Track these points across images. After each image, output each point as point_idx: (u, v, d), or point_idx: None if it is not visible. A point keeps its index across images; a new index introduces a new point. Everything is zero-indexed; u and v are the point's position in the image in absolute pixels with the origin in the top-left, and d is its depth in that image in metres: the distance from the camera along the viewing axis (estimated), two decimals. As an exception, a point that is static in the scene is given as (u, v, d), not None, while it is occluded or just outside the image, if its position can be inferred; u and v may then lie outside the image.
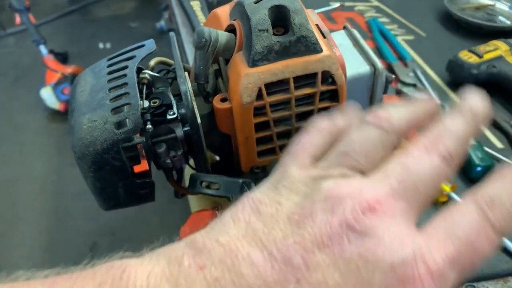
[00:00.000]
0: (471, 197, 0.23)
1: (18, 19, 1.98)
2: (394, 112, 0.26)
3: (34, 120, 2.12)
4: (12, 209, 1.72)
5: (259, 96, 0.35)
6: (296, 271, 0.20)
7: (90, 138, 0.35)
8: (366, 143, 0.24)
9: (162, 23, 2.58)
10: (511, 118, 0.69)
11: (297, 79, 0.35)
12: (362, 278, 0.20)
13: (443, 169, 0.24)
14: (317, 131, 0.26)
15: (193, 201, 0.47)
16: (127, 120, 0.35)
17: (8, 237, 1.63)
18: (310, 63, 0.35)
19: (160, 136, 0.38)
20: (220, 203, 0.45)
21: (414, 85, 0.77)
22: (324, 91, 0.36)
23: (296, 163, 0.25)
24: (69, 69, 2.08)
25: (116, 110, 0.36)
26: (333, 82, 0.36)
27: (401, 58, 0.84)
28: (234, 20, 0.39)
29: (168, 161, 0.39)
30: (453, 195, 0.57)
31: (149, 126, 0.36)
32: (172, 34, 0.43)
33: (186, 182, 0.44)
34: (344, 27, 0.44)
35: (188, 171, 0.46)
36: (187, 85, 0.37)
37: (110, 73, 0.39)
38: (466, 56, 0.76)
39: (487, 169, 0.60)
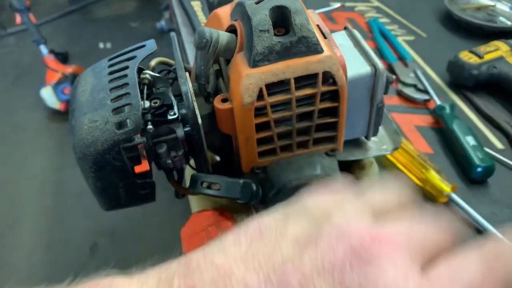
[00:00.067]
0: (477, 246, 0.23)
1: (18, 18, 1.98)
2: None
3: (35, 120, 2.12)
4: (12, 209, 1.72)
5: (260, 96, 0.35)
6: None
7: (91, 139, 0.35)
8: (386, 196, 0.25)
9: (162, 23, 2.58)
10: (511, 119, 0.69)
11: (298, 79, 0.35)
12: None
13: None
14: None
15: (194, 202, 0.47)
16: (128, 120, 0.35)
17: (8, 237, 1.63)
18: (311, 64, 0.34)
19: (160, 136, 0.38)
20: (221, 204, 0.45)
21: (414, 86, 0.77)
22: (325, 91, 0.36)
23: (312, 195, 0.25)
24: (69, 69, 2.08)
25: (117, 110, 0.36)
26: (334, 83, 0.36)
27: (402, 58, 0.84)
28: (235, 20, 0.39)
29: (169, 161, 0.39)
30: (453, 196, 0.57)
31: (150, 126, 0.36)
32: (173, 34, 0.43)
33: (187, 183, 0.44)
34: (345, 28, 0.44)
35: (188, 172, 0.46)
36: (188, 86, 0.37)
37: (111, 73, 0.39)
38: (467, 57, 0.76)
39: (487, 170, 0.60)
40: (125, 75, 0.38)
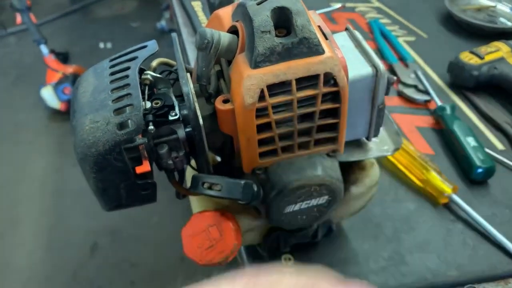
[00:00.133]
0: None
1: (19, 18, 1.98)
2: None
3: (35, 120, 2.12)
4: (12, 209, 1.72)
5: (261, 97, 0.35)
6: None
7: (92, 139, 0.35)
8: None
9: (163, 23, 2.58)
10: (512, 120, 0.69)
11: (299, 80, 0.35)
12: None
13: None
14: None
15: (195, 202, 0.47)
16: (129, 121, 0.35)
17: (9, 237, 1.63)
18: (312, 65, 0.34)
19: (162, 137, 0.38)
20: (221, 204, 0.45)
21: (415, 86, 0.77)
22: (326, 92, 0.36)
23: None
24: (70, 69, 2.08)
25: (118, 111, 0.36)
26: (335, 84, 0.36)
27: (402, 59, 0.85)
28: (237, 21, 0.39)
29: (170, 162, 0.39)
30: (454, 197, 0.57)
31: (151, 127, 0.36)
32: (174, 35, 0.43)
33: (188, 183, 0.44)
34: (346, 29, 0.44)
35: (189, 172, 0.46)
36: (189, 86, 0.37)
37: (112, 73, 0.39)
38: (467, 58, 0.76)
39: (488, 171, 0.60)
40: (127, 76, 0.38)
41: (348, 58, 0.38)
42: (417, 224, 0.56)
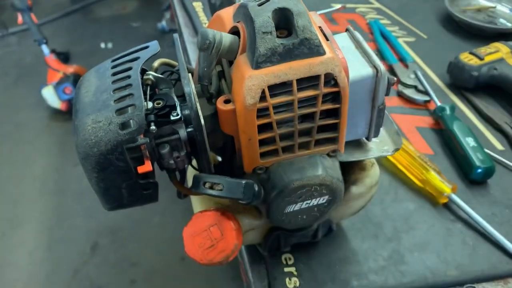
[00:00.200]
0: None
1: (20, 18, 1.98)
2: None
3: (36, 119, 2.12)
4: (13, 208, 1.72)
5: (262, 97, 0.35)
6: None
7: (94, 139, 0.35)
8: None
9: (163, 23, 2.59)
10: (511, 120, 0.70)
11: (300, 81, 0.35)
12: None
13: None
14: None
15: (196, 202, 0.48)
16: (131, 121, 0.36)
17: (9, 236, 1.63)
18: (313, 65, 0.35)
19: (163, 137, 0.38)
20: (222, 204, 0.45)
21: (415, 87, 0.78)
22: (327, 93, 0.36)
23: None
24: (70, 69, 2.08)
25: (120, 111, 0.36)
26: (336, 84, 0.36)
27: (402, 59, 0.85)
28: (238, 22, 0.39)
29: (172, 161, 0.39)
30: (454, 196, 0.58)
31: (153, 127, 0.36)
32: (175, 35, 0.44)
33: (189, 183, 0.44)
34: (347, 29, 0.45)
35: (190, 172, 0.46)
36: (191, 87, 0.37)
37: (114, 74, 0.39)
38: (467, 58, 0.76)
39: (488, 171, 0.60)
40: (129, 76, 0.38)
41: (349, 59, 0.38)
42: (416, 224, 0.56)
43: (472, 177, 0.61)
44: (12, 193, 1.78)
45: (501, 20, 0.94)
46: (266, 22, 0.35)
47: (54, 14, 2.88)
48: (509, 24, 0.92)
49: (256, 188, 0.38)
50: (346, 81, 0.36)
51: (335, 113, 0.38)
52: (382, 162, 0.65)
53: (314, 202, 0.41)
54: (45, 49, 2.04)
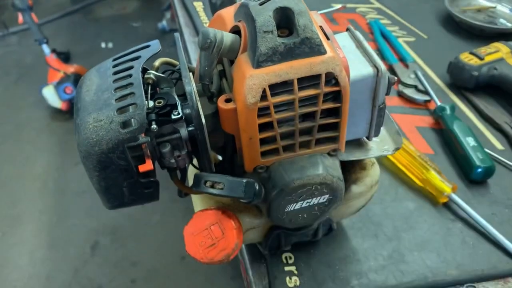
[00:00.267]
0: None
1: (20, 18, 1.98)
2: None
3: (36, 119, 2.13)
4: (13, 207, 1.73)
5: (263, 97, 0.35)
6: None
7: (95, 138, 0.35)
8: None
9: (164, 23, 2.59)
10: (511, 120, 0.70)
11: (301, 80, 0.35)
12: None
13: None
14: None
15: (197, 201, 0.48)
16: (132, 120, 0.36)
17: (10, 235, 1.63)
18: (314, 65, 0.35)
19: (164, 136, 0.38)
20: (223, 203, 0.46)
21: (415, 87, 0.78)
22: (328, 92, 0.36)
23: None
24: (71, 68, 2.08)
25: (121, 110, 0.36)
26: (337, 84, 0.36)
27: (402, 59, 0.85)
28: (239, 21, 0.39)
29: (173, 160, 0.39)
30: (454, 196, 0.58)
31: (154, 126, 0.36)
32: (176, 34, 0.44)
33: (189, 182, 0.45)
34: (347, 29, 0.45)
35: (191, 171, 0.47)
36: (192, 86, 0.37)
37: (115, 73, 0.39)
38: (467, 58, 0.76)
39: (488, 171, 0.60)
40: (130, 75, 0.39)
41: (350, 58, 0.38)
42: (417, 223, 0.57)
43: (472, 176, 0.61)
44: (13, 193, 1.78)
45: (501, 20, 0.94)
46: (267, 21, 0.35)
47: (54, 14, 2.89)
48: (509, 24, 0.92)
49: (257, 187, 0.38)
50: (347, 80, 0.36)
51: (335, 112, 0.38)
52: (382, 161, 0.65)
53: (315, 201, 0.41)
54: (45, 48, 2.04)
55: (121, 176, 0.37)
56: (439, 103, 0.72)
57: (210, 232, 0.42)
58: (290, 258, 0.53)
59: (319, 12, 0.44)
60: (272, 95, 0.35)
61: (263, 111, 0.36)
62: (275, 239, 0.49)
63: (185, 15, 1.02)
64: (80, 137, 0.36)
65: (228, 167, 0.45)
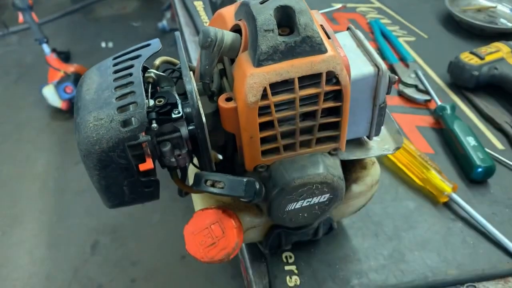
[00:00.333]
0: None
1: (21, 17, 1.98)
2: None
3: (37, 118, 2.13)
4: (13, 207, 1.73)
5: (264, 95, 0.35)
6: None
7: (96, 136, 0.35)
8: None
9: (164, 23, 2.59)
10: (512, 120, 0.70)
11: (301, 79, 0.35)
12: None
13: None
14: None
15: (197, 200, 0.48)
16: (133, 118, 0.36)
17: (10, 235, 1.63)
18: (315, 63, 0.35)
19: (165, 134, 0.38)
20: (223, 202, 0.46)
21: (415, 86, 0.78)
22: (329, 91, 0.36)
23: None
24: (71, 68, 2.08)
25: (122, 108, 0.36)
26: (338, 83, 0.36)
27: (403, 59, 0.85)
28: (240, 20, 0.39)
29: (173, 159, 0.39)
30: (454, 196, 0.58)
31: (154, 124, 0.36)
32: (177, 33, 0.44)
33: (190, 181, 0.45)
34: (348, 28, 0.45)
35: (191, 170, 0.46)
36: (192, 84, 0.37)
37: (116, 72, 0.39)
38: (468, 58, 0.76)
39: (488, 170, 0.60)
40: (130, 74, 0.39)
41: (350, 57, 0.38)
42: (417, 223, 0.56)
43: (472, 176, 0.61)
44: (13, 192, 1.78)
45: (502, 20, 0.94)
46: (268, 20, 0.35)
47: (54, 14, 2.88)
48: (509, 24, 0.92)
49: (257, 186, 0.38)
50: (348, 79, 0.36)
51: (336, 111, 0.38)
52: (383, 161, 0.65)
53: (315, 200, 0.41)
54: (45, 48, 2.04)
55: (122, 175, 0.37)
56: (439, 103, 0.72)
57: (210, 231, 0.42)
58: (291, 257, 0.52)
59: (320, 11, 0.44)
60: (273, 94, 0.35)
61: (263, 110, 0.36)
62: (275, 238, 0.49)
63: (186, 14, 1.02)
64: (81, 135, 0.36)
65: (228, 166, 0.45)
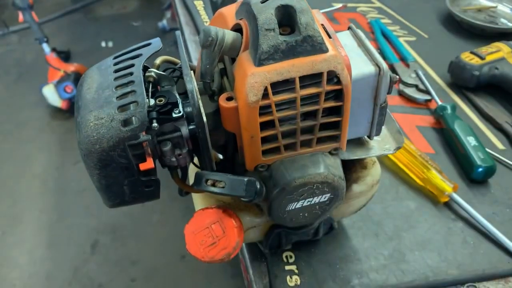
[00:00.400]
0: None
1: (21, 17, 1.98)
2: None
3: (37, 118, 2.13)
4: (13, 206, 1.73)
5: (265, 95, 0.35)
6: None
7: (96, 136, 0.35)
8: None
9: (164, 22, 2.59)
10: (513, 120, 0.70)
11: (302, 78, 0.35)
12: None
13: None
14: None
15: (197, 199, 0.48)
16: (133, 118, 0.36)
17: (10, 234, 1.63)
18: (316, 63, 0.35)
19: (165, 134, 0.38)
20: (224, 201, 0.45)
21: (415, 86, 0.78)
22: (329, 90, 0.36)
23: None
24: (71, 67, 2.08)
25: (122, 108, 0.36)
26: (339, 82, 0.36)
27: (403, 59, 0.85)
28: (240, 19, 0.39)
29: (173, 159, 0.39)
30: (455, 195, 0.58)
31: (155, 124, 0.36)
32: (178, 33, 0.44)
33: (190, 180, 0.44)
34: (349, 28, 0.45)
35: (191, 170, 0.46)
36: (193, 84, 0.37)
37: (116, 71, 0.39)
38: (468, 58, 0.76)
39: (488, 170, 0.60)
40: (131, 73, 0.38)
41: (351, 57, 0.38)
42: (417, 223, 0.56)
43: (473, 176, 0.61)
44: (12, 192, 1.78)
45: (502, 20, 0.94)
46: (269, 19, 0.35)
47: (55, 13, 2.88)
48: (510, 24, 0.92)
49: (258, 186, 0.38)
50: (349, 78, 0.36)
51: (337, 111, 0.38)
52: (383, 160, 0.65)
53: (316, 200, 0.41)
54: (46, 47, 2.04)
55: (122, 174, 0.37)
56: (440, 103, 0.72)
57: (211, 231, 0.42)
58: (291, 257, 0.52)
59: (320, 11, 0.45)
60: (274, 93, 0.35)
61: (264, 110, 0.36)
62: (275, 238, 0.49)
63: (186, 13, 1.02)
64: (81, 135, 0.36)
65: (229, 166, 0.45)
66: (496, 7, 0.97)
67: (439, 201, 0.59)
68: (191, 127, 0.38)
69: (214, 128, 0.40)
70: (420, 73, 0.79)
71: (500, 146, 0.67)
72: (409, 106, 0.76)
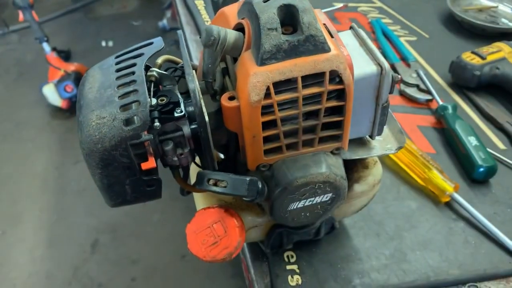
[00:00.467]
0: None
1: (21, 16, 1.98)
2: None
3: (37, 117, 2.12)
4: (13, 205, 1.72)
5: (267, 94, 0.35)
6: None
7: (98, 135, 0.35)
8: None
9: (164, 22, 2.58)
10: (514, 120, 0.70)
11: (305, 78, 0.35)
12: None
13: None
14: None
15: (199, 199, 0.48)
16: (135, 117, 0.36)
17: (10, 234, 1.63)
18: (318, 62, 0.35)
19: (167, 133, 0.38)
20: (225, 201, 0.45)
21: (416, 86, 0.78)
22: (332, 90, 0.36)
23: None
24: (71, 67, 2.08)
25: (124, 107, 0.36)
26: (341, 82, 0.36)
27: (404, 59, 0.85)
28: (243, 19, 0.39)
29: (175, 158, 0.39)
30: (456, 195, 0.58)
31: (156, 123, 0.36)
32: (180, 32, 0.44)
33: (192, 180, 0.44)
34: (351, 27, 0.45)
35: (193, 169, 0.46)
36: (195, 83, 0.37)
37: (118, 70, 0.39)
38: (469, 58, 0.76)
39: (490, 170, 0.60)
40: (133, 72, 0.38)
41: (353, 56, 0.38)
42: (418, 222, 0.56)
43: (474, 176, 0.61)
44: (13, 191, 1.78)
45: (503, 20, 0.94)
46: (271, 19, 0.35)
47: (55, 12, 2.88)
48: (511, 24, 0.92)
49: (260, 185, 0.38)
50: (351, 78, 0.36)
51: (339, 110, 0.38)
52: (385, 160, 0.65)
53: (318, 199, 0.41)
54: (46, 47, 2.04)
55: (124, 173, 0.37)
56: (441, 103, 0.72)
57: (212, 230, 0.42)
58: (292, 256, 0.52)
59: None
60: (276, 93, 0.35)
61: (266, 109, 0.36)
62: (277, 238, 0.49)
63: (187, 13, 1.02)
64: (83, 134, 0.36)
65: (230, 165, 0.45)
66: (497, 7, 0.97)
67: (440, 201, 0.59)
68: (193, 126, 0.38)
69: (216, 128, 0.40)
70: (421, 73, 0.79)
71: (501, 146, 0.67)
72: (410, 106, 0.76)
